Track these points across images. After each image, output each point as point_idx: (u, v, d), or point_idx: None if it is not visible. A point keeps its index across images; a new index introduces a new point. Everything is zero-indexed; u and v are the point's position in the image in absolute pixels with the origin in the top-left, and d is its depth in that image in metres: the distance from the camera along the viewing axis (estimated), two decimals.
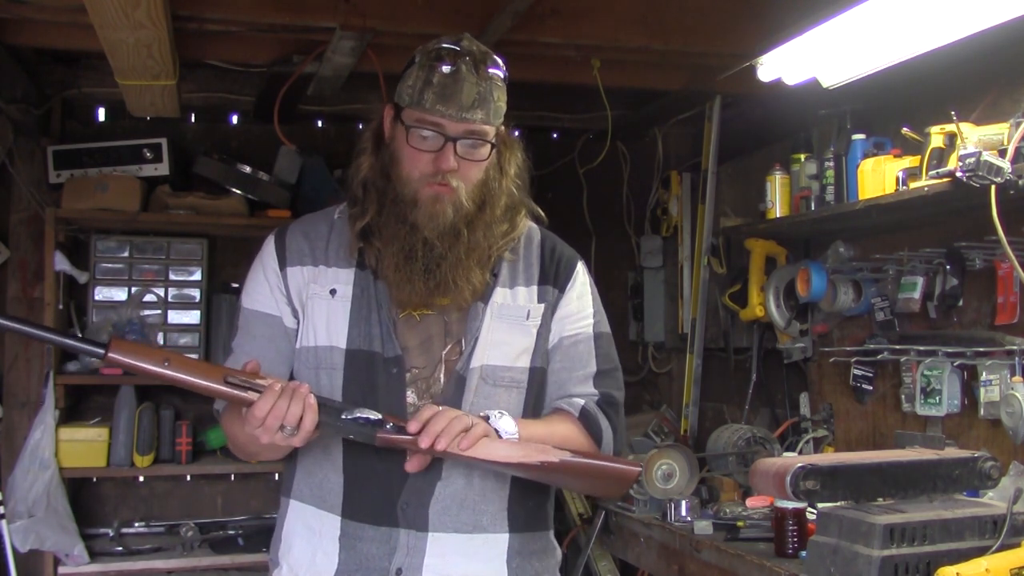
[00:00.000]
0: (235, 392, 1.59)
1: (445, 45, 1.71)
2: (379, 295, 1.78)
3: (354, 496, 1.74)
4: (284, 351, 1.81)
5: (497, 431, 1.69)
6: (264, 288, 1.82)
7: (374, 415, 1.64)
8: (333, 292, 1.79)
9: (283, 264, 1.82)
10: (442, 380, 1.77)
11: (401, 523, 1.72)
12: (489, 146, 1.74)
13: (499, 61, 1.75)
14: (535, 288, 1.85)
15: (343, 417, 1.64)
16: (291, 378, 1.80)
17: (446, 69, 1.68)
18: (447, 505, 1.74)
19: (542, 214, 1.93)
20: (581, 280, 1.90)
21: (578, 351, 1.85)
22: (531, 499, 1.83)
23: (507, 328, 1.80)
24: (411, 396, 1.76)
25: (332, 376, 1.77)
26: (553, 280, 1.86)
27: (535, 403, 1.83)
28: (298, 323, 1.81)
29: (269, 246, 1.85)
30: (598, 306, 1.92)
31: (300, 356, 1.80)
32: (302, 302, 1.80)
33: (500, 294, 1.81)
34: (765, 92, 3.26)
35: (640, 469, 1.77)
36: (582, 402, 1.83)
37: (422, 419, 1.63)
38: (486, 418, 1.70)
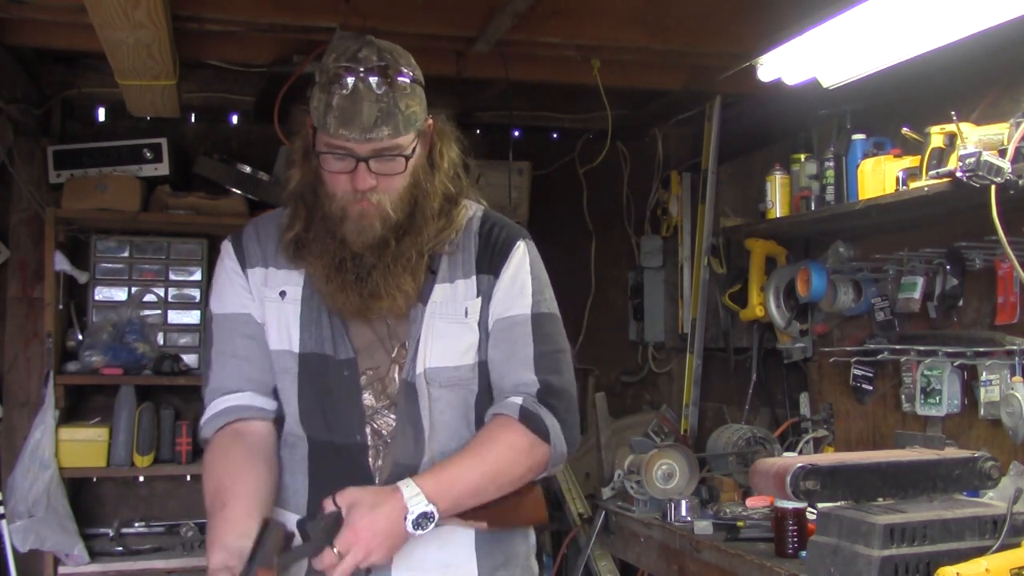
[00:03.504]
0: None
1: (342, 63, 1.64)
2: None
3: (318, 498, 1.70)
4: (266, 347, 1.80)
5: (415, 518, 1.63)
6: (230, 289, 1.82)
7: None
8: (283, 294, 1.79)
9: (244, 265, 1.82)
10: (397, 381, 1.76)
11: None
12: (404, 159, 1.68)
13: (402, 67, 1.67)
14: (473, 280, 1.79)
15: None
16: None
17: (345, 90, 1.62)
18: None
19: (483, 202, 1.89)
20: (517, 260, 1.80)
21: (514, 334, 1.78)
22: None
23: (447, 326, 1.76)
24: (369, 399, 1.75)
25: (286, 380, 1.78)
26: (488, 267, 1.79)
27: (486, 399, 1.80)
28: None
29: (228, 250, 1.85)
30: (539, 285, 1.82)
31: None
32: (260, 305, 1.80)
33: (439, 291, 1.77)
34: (765, 92, 3.26)
35: None
36: (519, 401, 1.74)
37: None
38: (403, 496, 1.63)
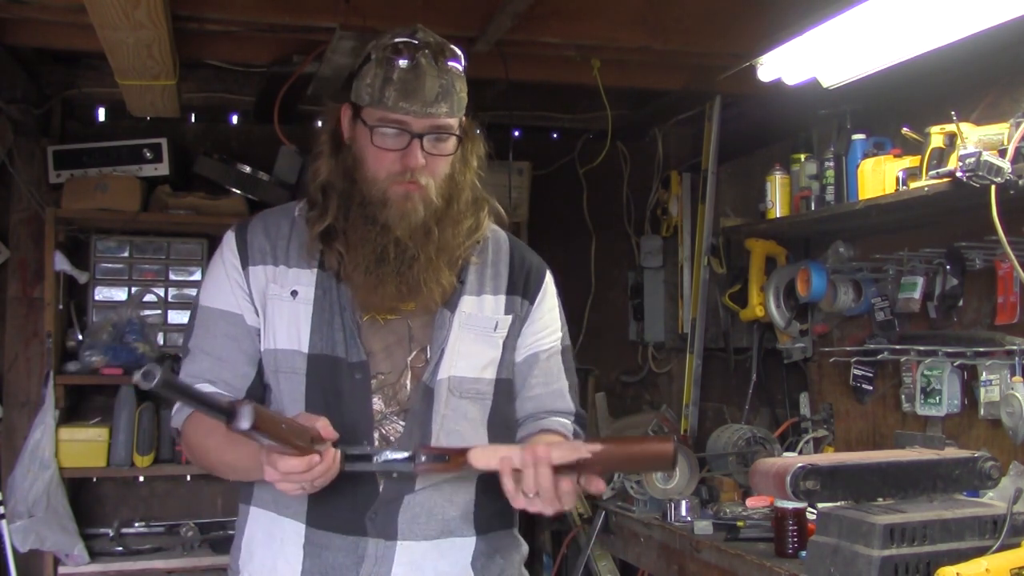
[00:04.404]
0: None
1: (401, 39, 1.66)
2: (342, 298, 1.72)
3: (320, 505, 1.69)
4: (248, 350, 1.75)
5: None
6: (225, 285, 1.76)
7: (401, 455, 1.58)
8: (294, 294, 1.74)
9: (245, 263, 1.76)
10: (408, 387, 1.73)
11: (370, 533, 1.70)
12: (455, 139, 1.70)
13: (457, 52, 1.71)
14: (503, 298, 1.81)
15: (375, 460, 1.59)
16: (259, 376, 1.75)
17: (405, 64, 1.64)
18: (416, 514, 1.72)
19: (502, 211, 1.89)
20: (551, 291, 1.89)
21: (551, 365, 1.86)
22: (498, 500, 1.77)
23: (474, 339, 1.77)
24: (378, 403, 1.72)
25: (292, 380, 1.72)
26: (523, 291, 1.83)
27: (500, 414, 1.81)
28: (260, 322, 1.75)
29: (230, 243, 1.78)
30: (563, 318, 1.92)
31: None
32: (263, 303, 1.75)
33: (467, 303, 1.78)
34: (765, 92, 3.26)
35: (672, 451, 1.60)
36: (570, 424, 1.85)
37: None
38: None
